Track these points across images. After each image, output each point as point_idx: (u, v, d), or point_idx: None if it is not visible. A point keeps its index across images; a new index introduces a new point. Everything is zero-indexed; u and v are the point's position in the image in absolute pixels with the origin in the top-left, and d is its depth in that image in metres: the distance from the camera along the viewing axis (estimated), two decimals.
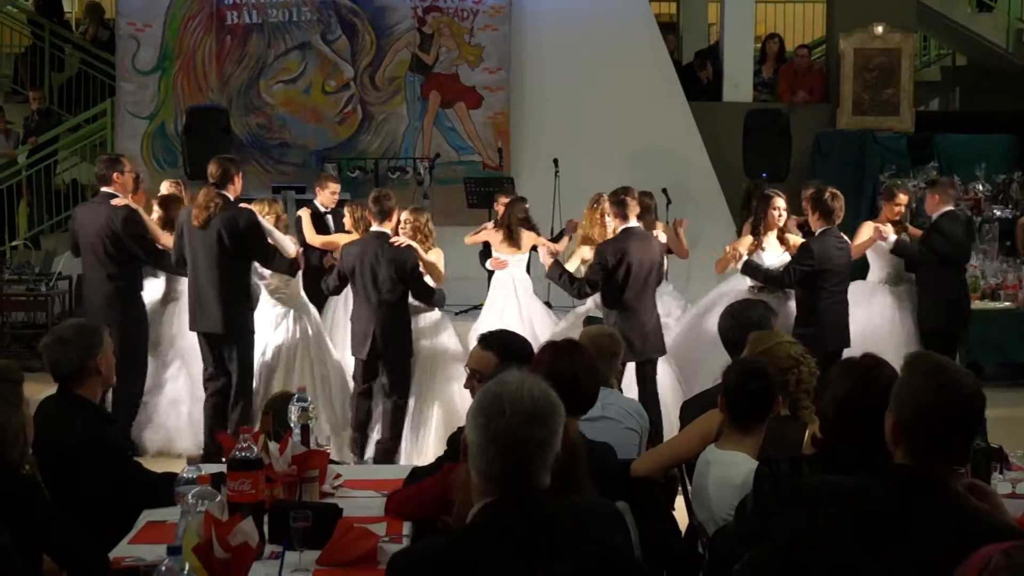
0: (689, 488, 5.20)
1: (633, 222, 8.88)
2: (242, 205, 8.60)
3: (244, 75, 14.65)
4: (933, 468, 3.16)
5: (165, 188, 10.24)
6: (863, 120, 15.10)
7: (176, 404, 9.36)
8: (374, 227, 8.74)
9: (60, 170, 15.42)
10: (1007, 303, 11.87)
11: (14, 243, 14.60)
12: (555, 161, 13.23)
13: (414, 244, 8.69)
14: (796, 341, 5.43)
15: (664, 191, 12.51)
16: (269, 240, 8.72)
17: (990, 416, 5.22)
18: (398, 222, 8.82)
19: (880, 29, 15.10)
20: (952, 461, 3.22)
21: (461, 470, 3.16)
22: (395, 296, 8.60)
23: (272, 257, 8.73)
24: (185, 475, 4.37)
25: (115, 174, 9.02)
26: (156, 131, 14.59)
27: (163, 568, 3.33)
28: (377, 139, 14.72)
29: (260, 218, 8.63)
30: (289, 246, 8.81)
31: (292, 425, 5.11)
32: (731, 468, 4.66)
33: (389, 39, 14.77)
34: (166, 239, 9.02)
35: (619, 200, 8.92)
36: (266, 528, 4.28)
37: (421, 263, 8.62)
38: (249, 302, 8.70)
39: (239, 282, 8.61)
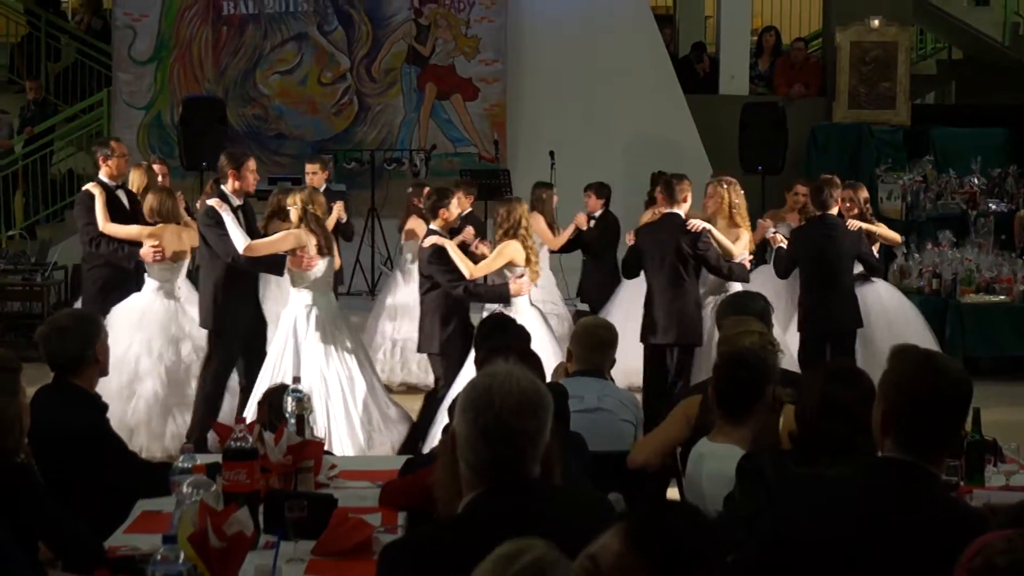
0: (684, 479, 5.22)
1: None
2: (211, 201, 8.33)
3: (240, 66, 14.65)
4: (923, 458, 3.16)
5: (136, 174, 10.01)
6: (859, 113, 15.11)
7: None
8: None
9: (56, 160, 15.40)
10: (1002, 296, 11.89)
11: (10, 233, 14.60)
12: (551, 153, 13.24)
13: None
14: (762, 331, 5.42)
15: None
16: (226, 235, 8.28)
17: (984, 409, 5.26)
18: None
19: (877, 22, 15.11)
20: (942, 450, 3.23)
21: (437, 470, 3.16)
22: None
23: (224, 252, 8.23)
24: (180, 464, 4.38)
25: (100, 158, 9.27)
26: (152, 121, 14.59)
27: (158, 557, 3.34)
28: (373, 130, 14.72)
29: (221, 212, 8.20)
30: (229, 246, 8.16)
31: (287, 416, 5.12)
32: (723, 461, 4.67)
33: (385, 30, 14.77)
34: (114, 228, 8.98)
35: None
36: (261, 518, 4.29)
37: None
38: (225, 297, 8.34)
39: (217, 274, 8.35)
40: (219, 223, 8.20)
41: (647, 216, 11.30)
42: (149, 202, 9.01)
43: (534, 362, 5.05)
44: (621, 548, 2.39)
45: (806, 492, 3.31)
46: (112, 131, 14.47)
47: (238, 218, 8.29)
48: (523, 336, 5.86)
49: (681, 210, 8.78)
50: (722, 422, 4.81)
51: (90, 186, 9.21)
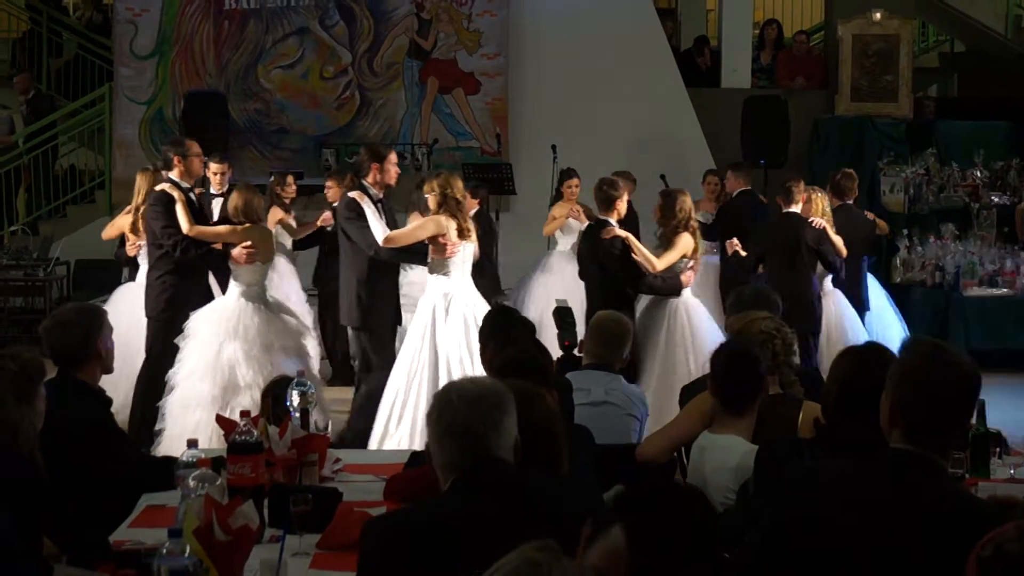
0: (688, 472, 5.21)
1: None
2: (352, 194, 8.17)
3: (242, 60, 14.63)
4: (930, 450, 3.15)
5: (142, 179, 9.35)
6: (861, 106, 15.08)
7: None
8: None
9: (59, 155, 15.38)
10: (1005, 289, 11.89)
11: (12, 228, 14.59)
12: (553, 147, 13.22)
13: None
14: (771, 316, 5.43)
15: (662, 177, 12.51)
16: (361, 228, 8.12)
17: (988, 401, 5.25)
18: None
19: (879, 15, 15.08)
20: (949, 441, 3.22)
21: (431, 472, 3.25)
22: None
23: (366, 245, 8.09)
24: (185, 458, 4.38)
25: (175, 158, 8.52)
26: (154, 116, 14.57)
27: (164, 551, 3.34)
28: (375, 125, 14.70)
29: (362, 204, 8.07)
30: (371, 238, 8.05)
31: (292, 409, 5.11)
32: (726, 452, 4.67)
33: (387, 24, 14.75)
34: (201, 230, 8.36)
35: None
36: (266, 512, 4.29)
37: None
38: (369, 292, 8.21)
39: (359, 270, 8.20)
40: (360, 216, 8.09)
41: (557, 211, 11.40)
42: (233, 201, 8.45)
43: (540, 350, 5.05)
44: (621, 550, 2.42)
45: (813, 483, 3.30)
46: (114, 126, 14.49)
47: (378, 211, 8.17)
48: (528, 327, 5.86)
49: (798, 208, 9.51)
50: (723, 414, 4.81)
51: (165, 187, 8.45)
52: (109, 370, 5.24)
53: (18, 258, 13.25)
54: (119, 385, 8.31)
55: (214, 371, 8.01)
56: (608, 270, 8.52)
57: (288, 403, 5.18)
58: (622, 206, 8.73)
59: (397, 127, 14.69)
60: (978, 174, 13.86)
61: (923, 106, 15.63)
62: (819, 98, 15.37)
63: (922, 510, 3.07)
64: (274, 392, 5.68)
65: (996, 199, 13.64)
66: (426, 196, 8.15)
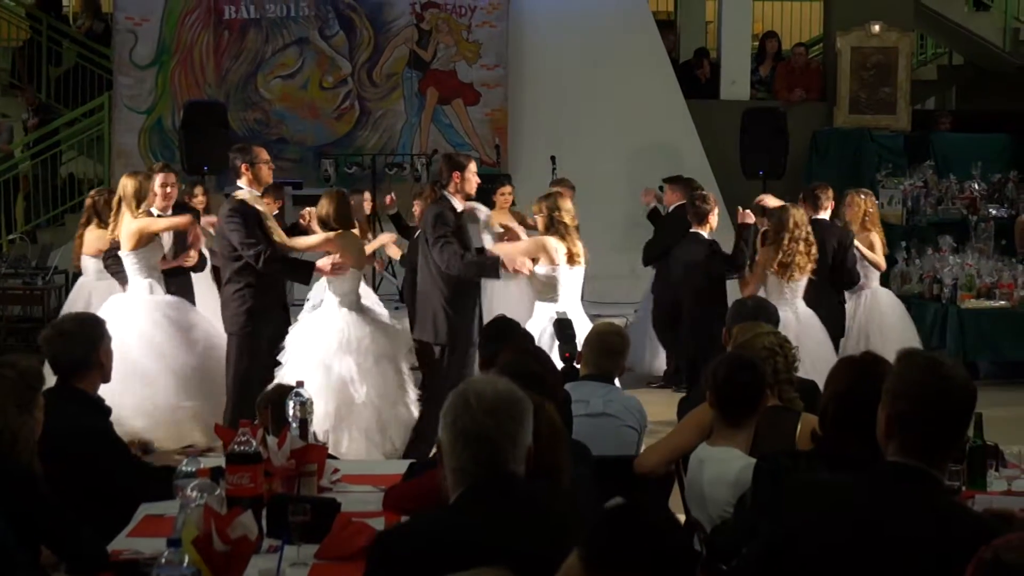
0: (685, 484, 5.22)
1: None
2: (435, 207, 7.93)
3: (242, 70, 14.66)
4: (926, 463, 3.17)
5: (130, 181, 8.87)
6: (860, 119, 15.12)
7: None
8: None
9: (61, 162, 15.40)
10: (1002, 302, 11.89)
11: (11, 237, 14.59)
12: (552, 158, 13.24)
13: None
14: (775, 331, 5.45)
15: (660, 188, 12.52)
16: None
17: (985, 414, 5.26)
18: None
19: (877, 28, 15.12)
20: (945, 454, 3.23)
21: (439, 476, 3.24)
22: None
23: (441, 261, 7.85)
24: (184, 468, 4.38)
25: (243, 165, 8.09)
26: (153, 126, 14.59)
27: (163, 560, 3.35)
28: (374, 135, 14.73)
29: (446, 213, 7.83)
30: (447, 252, 7.79)
31: (290, 419, 5.11)
32: (724, 465, 4.67)
33: (387, 35, 14.79)
34: (292, 241, 8.21)
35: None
36: (264, 522, 4.29)
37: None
38: (455, 308, 7.91)
39: (444, 285, 7.93)
40: (439, 227, 7.85)
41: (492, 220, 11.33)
42: (324, 208, 8.21)
43: (541, 357, 5.06)
44: (580, 573, 2.42)
45: (810, 497, 3.31)
46: (113, 135, 14.51)
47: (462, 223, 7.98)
48: (527, 337, 5.88)
49: (826, 215, 9.58)
50: (721, 426, 4.81)
51: (242, 196, 8.07)
52: (107, 379, 5.24)
53: (16, 266, 13.25)
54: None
55: (325, 391, 7.70)
56: (709, 278, 9.11)
57: (287, 413, 5.17)
58: (714, 219, 9.35)
59: (396, 138, 14.72)
60: (976, 186, 13.87)
61: (937, 121, 15.65)
62: (818, 110, 15.40)
63: (918, 523, 3.08)
64: (272, 401, 5.65)
65: (994, 211, 13.65)
66: (535, 216, 8.10)
